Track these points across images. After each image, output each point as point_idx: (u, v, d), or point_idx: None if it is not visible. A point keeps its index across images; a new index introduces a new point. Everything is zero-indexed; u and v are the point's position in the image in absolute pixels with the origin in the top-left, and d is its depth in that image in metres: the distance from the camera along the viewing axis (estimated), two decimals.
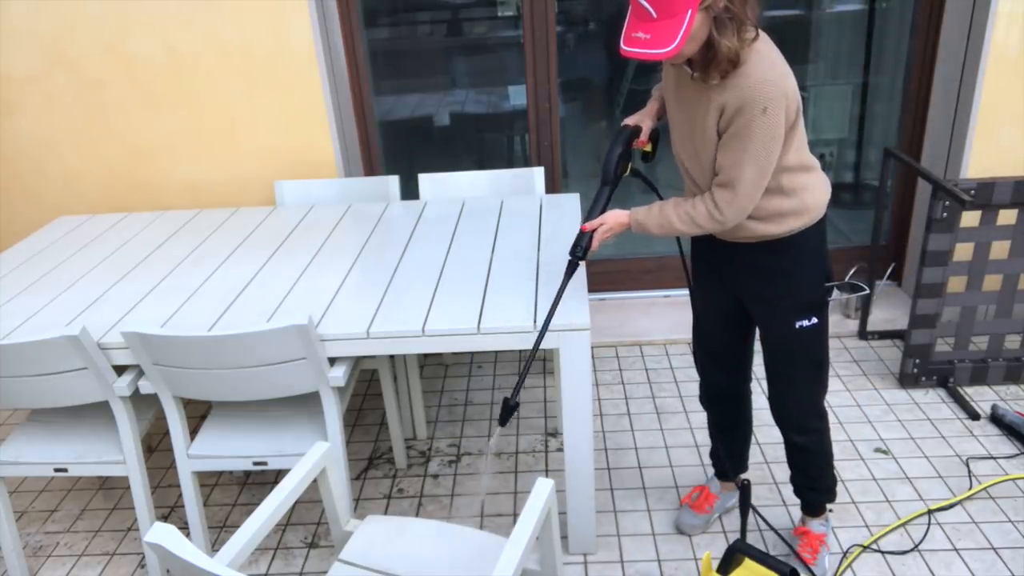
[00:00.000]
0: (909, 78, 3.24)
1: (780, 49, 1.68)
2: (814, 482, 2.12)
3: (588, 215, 1.87)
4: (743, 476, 2.32)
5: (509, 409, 1.75)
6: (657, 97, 1.99)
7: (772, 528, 2.27)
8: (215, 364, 1.93)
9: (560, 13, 3.17)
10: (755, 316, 1.98)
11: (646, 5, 1.52)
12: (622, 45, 1.57)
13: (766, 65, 1.59)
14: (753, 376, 2.19)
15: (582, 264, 1.91)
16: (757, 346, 2.06)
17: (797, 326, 1.87)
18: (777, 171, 1.71)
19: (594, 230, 1.85)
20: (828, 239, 1.90)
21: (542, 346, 1.96)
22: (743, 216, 1.73)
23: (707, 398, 2.22)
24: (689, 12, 1.50)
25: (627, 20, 1.58)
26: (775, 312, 1.90)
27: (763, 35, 1.65)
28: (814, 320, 1.87)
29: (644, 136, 1.93)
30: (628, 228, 1.87)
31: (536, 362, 3.22)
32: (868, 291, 2.78)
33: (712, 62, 1.59)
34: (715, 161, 1.72)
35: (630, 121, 1.94)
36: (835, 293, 1.89)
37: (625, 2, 1.59)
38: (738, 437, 2.26)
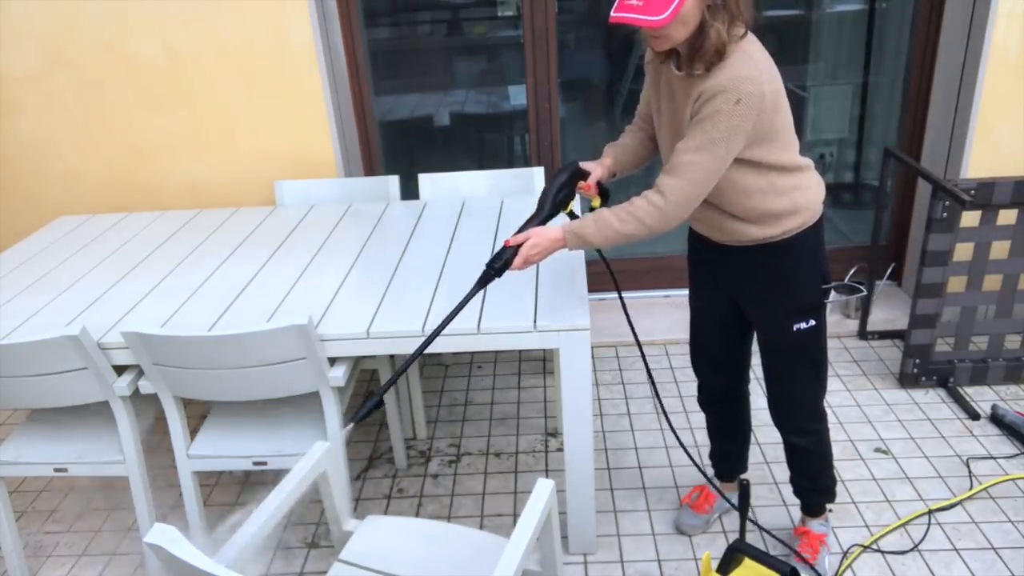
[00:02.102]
0: (909, 78, 3.24)
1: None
2: (814, 483, 2.12)
3: (517, 233, 1.76)
4: (742, 476, 2.32)
5: (375, 405, 1.56)
6: (611, 152, 1.95)
7: (764, 530, 2.27)
8: (215, 364, 1.93)
9: (560, 13, 3.17)
10: (753, 319, 1.97)
11: None
12: (613, 12, 1.54)
13: (749, 63, 1.59)
14: (751, 377, 2.19)
15: (587, 269, 1.88)
16: (755, 346, 2.06)
17: (795, 328, 1.87)
18: (765, 170, 1.70)
19: (519, 245, 1.73)
20: (828, 239, 1.90)
21: (542, 346, 1.96)
22: (688, 209, 1.67)
23: (705, 400, 2.22)
24: None
25: None
26: (773, 315, 1.89)
27: (752, 36, 1.64)
28: (812, 322, 1.87)
29: (591, 181, 1.87)
30: (563, 246, 1.75)
31: (536, 362, 3.22)
32: (866, 292, 2.78)
33: (699, 52, 1.58)
34: None
35: (580, 162, 1.88)
36: (833, 294, 1.89)
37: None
38: (737, 438, 2.26)
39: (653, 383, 1.91)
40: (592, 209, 1.89)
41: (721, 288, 1.98)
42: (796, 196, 1.76)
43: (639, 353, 2.15)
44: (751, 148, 1.66)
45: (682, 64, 1.66)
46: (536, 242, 1.73)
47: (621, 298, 2.00)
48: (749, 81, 1.57)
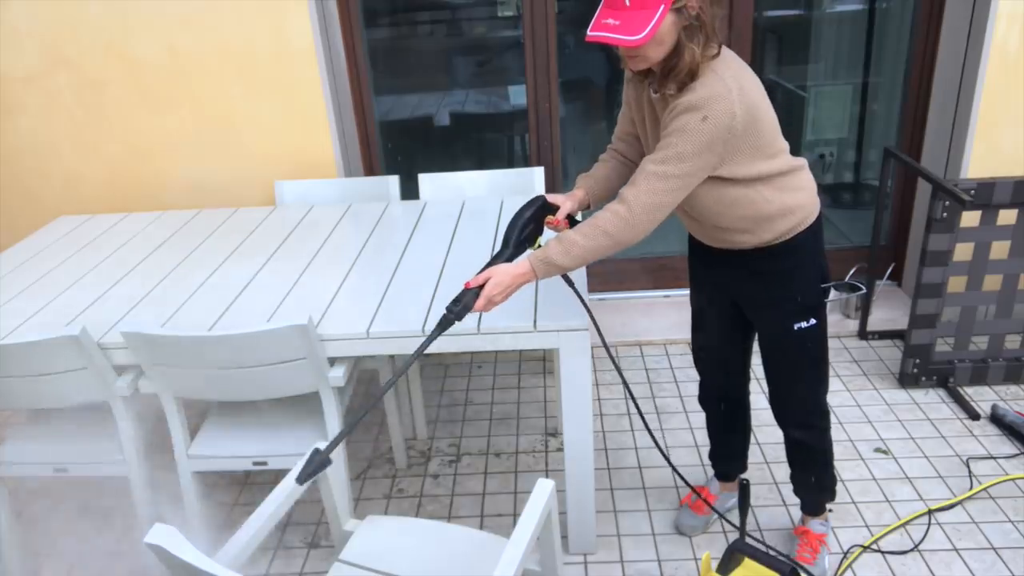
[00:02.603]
0: (909, 78, 3.24)
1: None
2: (815, 481, 2.12)
3: (479, 272, 1.67)
4: (742, 476, 2.32)
5: (318, 463, 1.47)
6: (583, 184, 1.90)
7: (753, 533, 2.27)
8: (215, 364, 1.93)
9: (560, 13, 3.17)
10: (753, 319, 1.98)
11: None
12: (589, 31, 1.55)
13: (719, 83, 1.58)
14: (751, 376, 2.19)
15: (577, 282, 1.82)
16: (754, 345, 2.06)
17: (796, 328, 1.87)
18: (748, 183, 1.69)
19: (480, 287, 1.63)
20: (828, 239, 1.90)
21: (542, 346, 1.96)
22: (654, 219, 1.62)
23: (706, 399, 2.23)
24: (662, 7, 1.51)
25: (599, 8, 1.57)
26: (773, 315, 1.90)
27: (726, 53, 1.63)
28: (812, 321, 1.87)
29: (560, 215, 1.80)
30: (531, 278, 1.66)
31: (536, 362, 3.22)
32: (865, 291, 2.78)
33: (672, 71, 1.59)
34: None
35: (548, 197, 1.82)
36: (833, 293, 1.88)
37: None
38: (737, 438, 2.26)
39: (626, 384, 1.88)
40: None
41: (721, 289, 1.98)
42: (786, 198, 1.75)
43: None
44: (733, 166, 1.65)
45: (657, 86, 1.66)
46: (498, 280, 1.64)
47: (585, 304, 1.93)
48: (718, 100, 1.56)
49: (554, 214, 1.81)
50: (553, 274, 1.68)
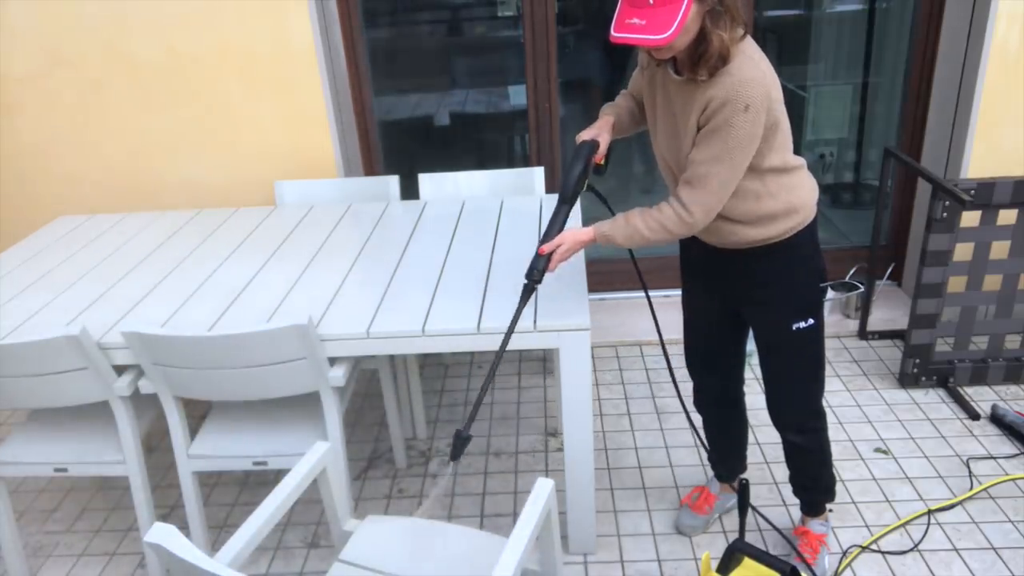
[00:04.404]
0: (909, 78, 3.24)
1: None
2: (813, 482, 2.12)
3: (545, 235, 1.81)
4: (741, 476, 2.32)
5: (462, 441, 1.67)
6: (611, 112, 1.95)
7: (773, 527, 2.27)
8: (215, 364, 1.93)
9: (560, 13, 3.17)
10: (750, 319, 1.97)
11: None
12: (613, 32, 1.54)
13: (751, 65, 1.59)
14: (748, 376, 2.19)
15: (579, 268, 1.88)
16: (750, 346, 2.05)
17: (794, 328, 1.86)
18: (760, 173, 1.71)
19: (552, 252, 1.79)
20: (828, 239, 1.90)
21: (542, 346, 1.96)
22: (711, 217, 1.71)
23: (701, 402, 2.22)
24: (686, 1, 1.49)
25: (619, 7, 1.56)
26: (771, 315, 1.89)
27: (748, 37, 1.64)
28: (810, 321, 1.87)
29: (602, 150, 1.88)
30: (591, 244, 1.82)
31: (536, 362, 3.22)
32: (863, 289, 2.78)
33: (702, 58, 1.57)
34: None
35: (586, 135, 1.88)
36: (831, 293, 1.88)
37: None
38: (735, 439, 2.26)
39: (675, 383, 1.95)
40: (596, 168, 1.90)
41: (716, 289, 1.98)
42: (792, 197, 1.76)
43: (662, 352, 2.14)
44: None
45: (682, 69, 1.66)
46: (568, 247, 1.80)
47: (648, 298, 2.05)
48: (753, 84, 1.57)
49: (596, 151, 1.87)
50: (608, 246, 1.82)
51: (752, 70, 1.58)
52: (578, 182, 1.82)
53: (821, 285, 1.87)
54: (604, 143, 1.89)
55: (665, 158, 1.84)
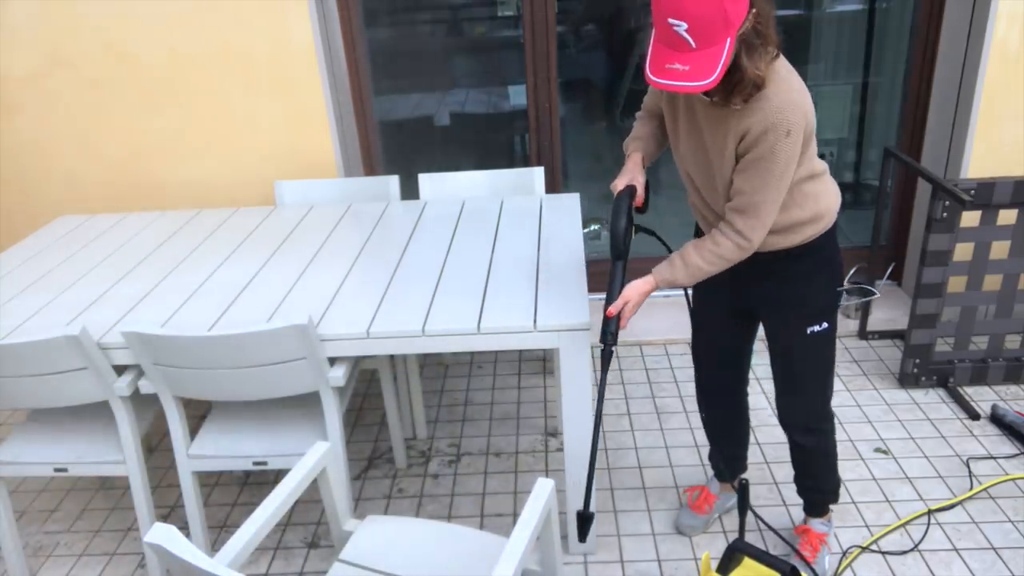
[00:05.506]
0: (909, 78, 3.24)
1: (781, 50, 1.66)
2: (818, 483, 2.12)
3: (608, 296, 1.80)
4: (742, 476, 2.32)
5: (585, 520, 1.72)
6: (638, 147, 1.92)
7: (772, 530, 2.27)
8: (215, 364, 1.93)
9: (560, 13, 3.17)
10: (764, 321, 1.96)
11: (686, 36, 1.44)
12: (653, 76, 1.50)
13: (787, 87, 1.57)
14: (751, 377, 2.19)
15: (577, 267, 1.88)
16: (756, 345, 2.06)
17: (808, 331, 1.85)
18: (796, 181, 1.69)
19: (620, 312, 1.79)
20: None
21: (542, 346, 1.96)
22: (763, 238, 1.71)
23: (705, 401, 2.20)
24: (728, 40, 1.44)
25: (652, 47, 1.52)
26: (787, 318, 1.88)
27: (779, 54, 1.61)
28: (825, 325, 1.85)
29: (640, 193, 1.86)
30: (654, 291, 1.82)
31: (536, 362, 3.22)
32: (878, 294, 2.75)
33: (736, 87, 1.53)
34: (731, 184, 1.69)
35: (621, 184, 1.85)
36: (845, 297, 1.88)
37: (645, 24, 1.54)
38: (736, 439, 2.26)
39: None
40: (639, 209, 1.89)
41: (729, 290, 1.95)
42: (818, 203, 1.75)
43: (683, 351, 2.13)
44: None
45: (716, 95, 1.59)
46: (635, 302, 1.81)
47: (688, 296, 2.04)
48: (793, 108, 1.55)
49: (635, 197, 1.85)
50: (670, 288, 1.84)
51: (789, 92, 1.56)
52: (626, 235, 1.81)
53: (838, 289, 1.85)
54: (640, 185, 1.86)
55: (690, 174, 1.81)
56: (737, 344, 2.09)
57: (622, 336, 3.27)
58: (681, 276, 1.77)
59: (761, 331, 2.03)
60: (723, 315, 2.03)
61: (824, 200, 1.77)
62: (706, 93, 1.60)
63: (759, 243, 1.71)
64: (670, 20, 1.45)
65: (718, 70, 1.45)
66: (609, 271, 1.83)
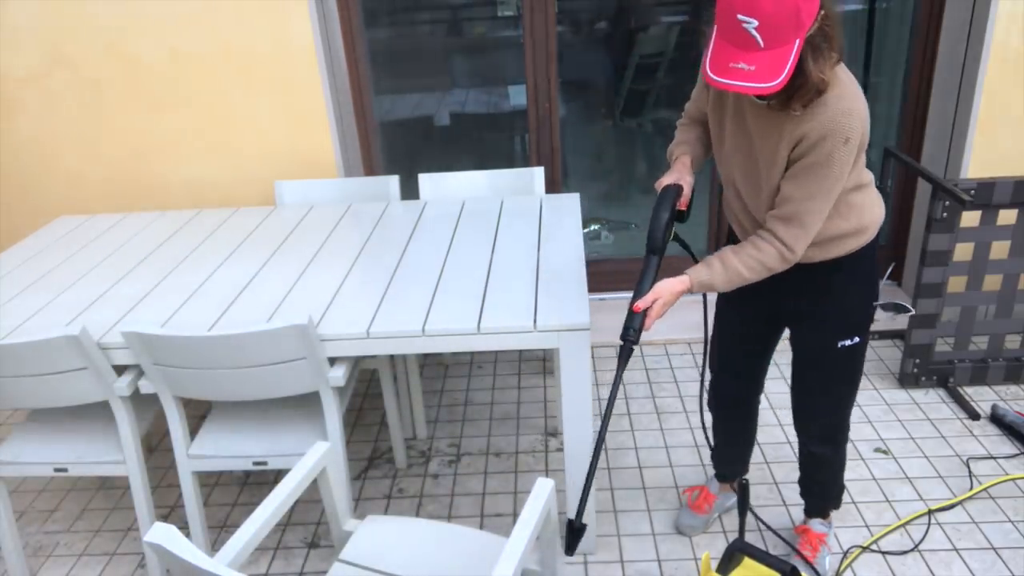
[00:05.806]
0: (909, 78, 3.24)
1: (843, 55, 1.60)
2: (824, 489, 2.12)
3: (637, 290, 1.71)
4: (742, 476, 2.32)
5: (575, 532, 1.63)
6: (685, 151, 1.84)
7: (772, 530, 2.27)
8: (215, 364, 1.93)
9: (560, 13, 3.17)
10: (795, 332, 1.90)
11: (756, 35, 1.37)
12: (713, 75, 1.43)
13: (847, 93, 1.51)
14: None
15: (579, 267, 1.85)
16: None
17: (840, 345, 1.81)
18: (844, 191, 1.64)
19: (647, 309, 1.70)
20: None
21: (542, 346, 1.96)
22: (806, 249, 1.65)
23: (716, 405, 2.18)
24: (797, 42, 1.39)
25: (714, 44, 1.45)
26: (819, 330, 1.83)
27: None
28: (856, 339, 1.81)
29: (687, 194, 1.77)
30: (687, 293, 1.72)
31: (536, 362, 3.22)
32: (913, 311, 2.70)
33: (798, 91, 1.46)
34: (777, 191, 1.63)
35: (668, 180, 1.77)
36: (879, 313, 1.84)
37: (709, 23, 1.45)
38: (742, 443, 2.25)
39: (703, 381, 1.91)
40: (680, 214, 1.79)
41: (759, 299, 1.88)
42: (863, 215, 1.70)
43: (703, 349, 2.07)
44: None
45: (774, 98, 1.53)
46: (665, 300, 1.70)
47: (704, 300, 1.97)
48: (853, 116, 1.50)
49: (680, 196, 1.76)
50: (704, 292, 1.74)
51: (850, 100, 1.50)
52: (666, 230, 1.72)
53: (874, 304, 1.80)
54: (687, 186, 1.77)
55: (734, 180, 1.75)
56: (759, 354, 2.04)
57: None
58: (719, 280, 1.68)
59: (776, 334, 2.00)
60: (750, 324, 1.98)
61: (869, 213, 1.71)
62: (761, 96, 1.55)
63: (802, 254, 1.65)
64: (740, 16, 1.38)
65: (785, 72, 1.38)
66: (643, 265, 1.74)
